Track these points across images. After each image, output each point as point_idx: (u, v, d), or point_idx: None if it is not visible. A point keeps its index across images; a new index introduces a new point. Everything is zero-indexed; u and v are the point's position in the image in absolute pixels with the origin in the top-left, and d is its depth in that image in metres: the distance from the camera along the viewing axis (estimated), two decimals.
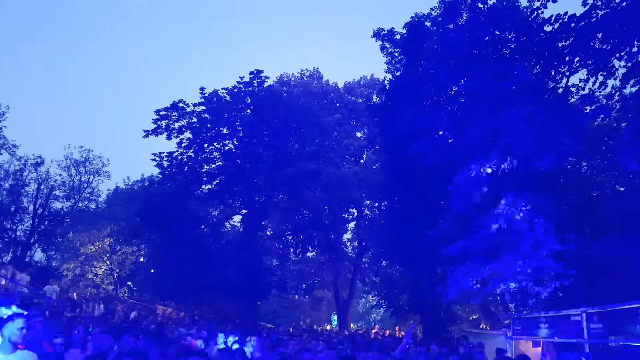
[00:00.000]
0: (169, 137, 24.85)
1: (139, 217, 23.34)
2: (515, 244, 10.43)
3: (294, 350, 6.69)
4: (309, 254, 29.15)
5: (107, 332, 6.11)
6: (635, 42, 10.16)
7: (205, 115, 25.02)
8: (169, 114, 24.78)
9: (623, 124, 12.11)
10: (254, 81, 24.86)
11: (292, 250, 28.78)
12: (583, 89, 12.03)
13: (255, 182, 24.39)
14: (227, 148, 25.79)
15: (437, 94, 14.14)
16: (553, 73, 12.42)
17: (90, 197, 29.10)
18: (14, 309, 4.81)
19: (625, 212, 9.89)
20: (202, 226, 25.23)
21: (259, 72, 24.85)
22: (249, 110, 25.85)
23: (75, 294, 18.92)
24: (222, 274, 21.36)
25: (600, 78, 11.42)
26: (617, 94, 11.34)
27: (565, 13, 11.20)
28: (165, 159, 24.72)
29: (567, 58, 11.60)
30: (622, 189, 12.89)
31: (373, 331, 20.25)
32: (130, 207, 24.26)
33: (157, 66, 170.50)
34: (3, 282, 13.52)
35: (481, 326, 17.16)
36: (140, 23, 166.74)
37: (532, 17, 12.39)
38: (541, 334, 9.74)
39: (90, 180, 28.88)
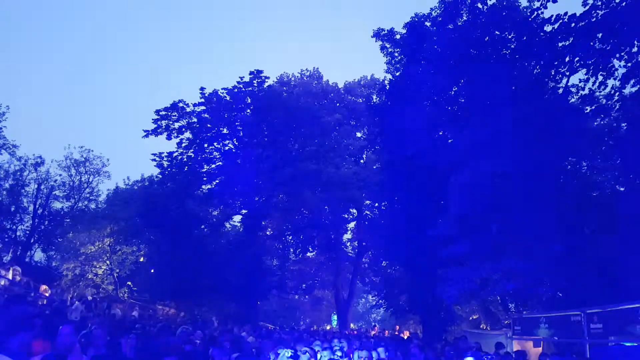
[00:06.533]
0: (169, 137, 24.83)
1: (139, 217, 23.30)
2: (515, 245, 10.43)
3: None
4: (309, 254, 29.14)
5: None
6: (635, 42, 10.16)
7: (205, 115, 25.00)
8: (169, 114, 24.76)
9: (623, 124, 12.10)
10: (254, 81, 24.85)
11: (292, 250, 28.77)
12: (583, 89, 12.03)
13: (255, 182, 24.38)
14: (227, 148, 25.77)
15: (437, 94, 14.13)
16: (553, 73, 12.41)
17: (90, 197, 29.01)
18: None
19: (625, 212, 9.88)
20: (202, 226, 25.20)
21: (259, 72, 24.84)
22: (249, 110, 25.83)
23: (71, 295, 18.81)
24: (222, 274, 21.35)
25: (600, 78, 11.40)
26: (617, 94, 11.33)
27: (565, 13, 11.19)
28: (165, 159, 24.71)
29: (567, 58, 11.59)
30: (622, 189, 12.87)
31: (372, 332, 20.24)
32: (130, 207, 24.22)
33: (157, 66, 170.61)
34: (2, 282, 13.48)
35: (481, 326, 17.17)
36: (140, 23, 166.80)
37: (532, 17, 12.38)
38: (541, 334, 9.75)
39: (90, 180, 28.81)
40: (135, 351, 5.86)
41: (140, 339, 6.56)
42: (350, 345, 7.67)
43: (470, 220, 11.29)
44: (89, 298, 17.02)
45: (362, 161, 28.09)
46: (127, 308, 19.31)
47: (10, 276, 13.90)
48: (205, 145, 25.30)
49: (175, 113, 24.79)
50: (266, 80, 25.30)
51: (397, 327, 22.50)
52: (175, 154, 24.77)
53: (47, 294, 14.62)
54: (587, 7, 10.84)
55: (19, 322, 3.85)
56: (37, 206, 27.04)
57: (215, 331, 11.66)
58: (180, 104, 24.72)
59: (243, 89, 24.98)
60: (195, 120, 24.98)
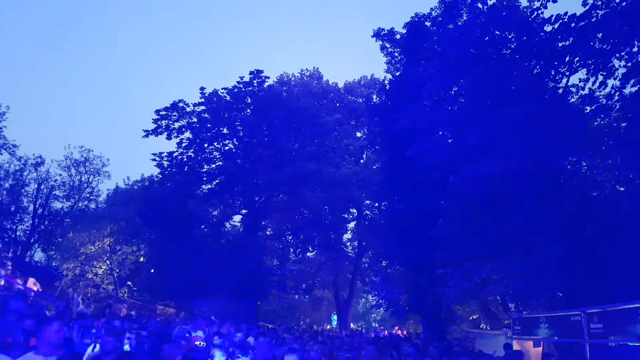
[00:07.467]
0: (169, 137, 24.85)
1: (139, 217, 23.31)
2: (515, 245, 10.42)
3: None
4: (309, 254, 29.14)
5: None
6: (635, 42, 10.14)
7: (205, 115, 25.01)
8: (169, 113, 24.77)
9: (623, 124, 12.09)
10: (254, 81, 24.85)
11: (292, 250, 28.75)
12: (583, 89, 12.00)
13: (255, 182, 24.38)
14: (227, 148, 25.78)
15: (437, 94, 14.11)
16: (553, 73, 12.40)
17: (90, 197, 29.01)
18: None
19: (626, 212, 9.87)
20: (202, 226, 25.22)
21: (259, 72, 24.84)
22: (249, 110, 25.84)
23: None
24: (222, 274, 21.36)
25: (600, 78, 11.39)
26: (617, 94, 11.31)
27: (565, 13, 11.17)
28: (165, 159, 24.73)
29: (567, 58, 11.57)
30: (622, 189, 12.86)
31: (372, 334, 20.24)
32: (130, 207, 24.23)
33: (157, 66, 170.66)
34: (2, 282, 13.49)
35: (481, 326, 17.16)
36: (140, 23, 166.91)
37: (532, 17, 12.37)
38: (541, 334, 9.75)
39: (90, 180, 28.81)
40: (134, 351, 5.86)
41: (139, 338, 6.56)
42: None
43: (471, 220, 11.28)
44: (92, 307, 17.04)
45: (362, 161, 28.09)
46: (127, 308, 19.31)
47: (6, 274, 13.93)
48: (205, 145, 25.32)
49: (175, 113, 24.81)
50: (266, 80, 25.32)
51: (396, 328, 22.51)
52: (175, 154, 24.80)
53: (35, 288, 14.68)
54: (587, 7, 10.83)
55: (15, 321, 3.84)
56: (37, 206, 27.06)
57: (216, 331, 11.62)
58: (180, 104, 24.74)
59: (243, 89, 24.99)
60: (195, 120, 24.99)
